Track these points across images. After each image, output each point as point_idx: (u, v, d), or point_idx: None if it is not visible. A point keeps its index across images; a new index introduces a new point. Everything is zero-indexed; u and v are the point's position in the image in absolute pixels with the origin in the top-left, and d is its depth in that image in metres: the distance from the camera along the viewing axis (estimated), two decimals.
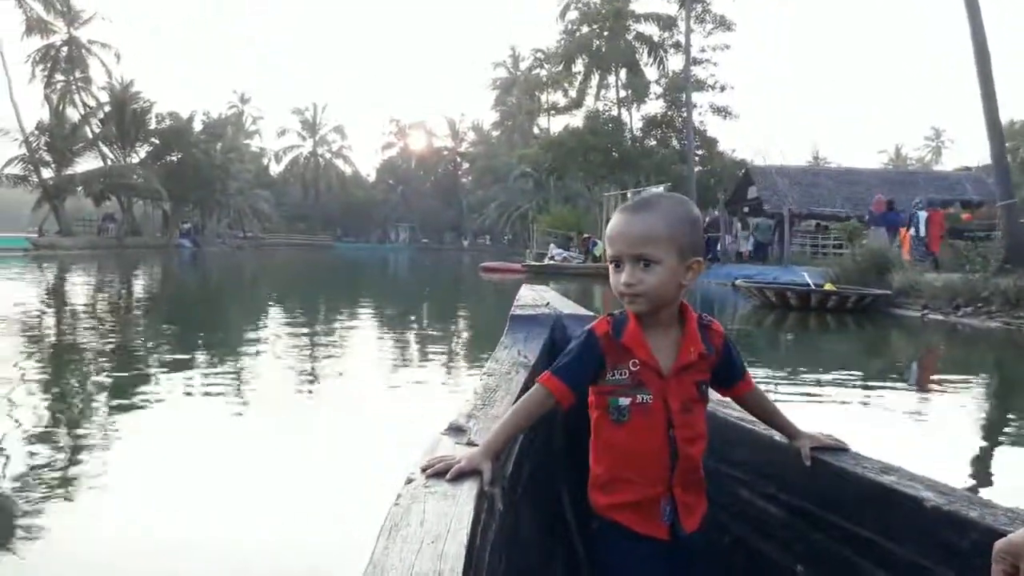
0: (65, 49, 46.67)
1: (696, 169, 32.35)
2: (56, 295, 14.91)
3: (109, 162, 45.14)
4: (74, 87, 46.49)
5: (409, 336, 10.16)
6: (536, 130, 62.03)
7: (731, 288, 19.89)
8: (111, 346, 7.96)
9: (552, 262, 27.76)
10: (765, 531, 1.67)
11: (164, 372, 6.47)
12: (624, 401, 1.42)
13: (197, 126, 50.23)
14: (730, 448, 1.72)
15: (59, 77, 46.47)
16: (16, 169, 40.04)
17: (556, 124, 43.69)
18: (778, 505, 1.65)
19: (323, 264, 33.66)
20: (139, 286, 18.94)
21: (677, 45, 34.92)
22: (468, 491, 1.20)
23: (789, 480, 1.61)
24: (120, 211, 45.09)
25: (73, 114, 43.34)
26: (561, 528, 1.99)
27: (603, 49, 35.59)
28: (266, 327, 10.44)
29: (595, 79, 36.80)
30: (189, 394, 5.57)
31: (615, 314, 1.47)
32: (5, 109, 39.23)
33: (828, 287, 13.43)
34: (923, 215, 19.32)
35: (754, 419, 1.68)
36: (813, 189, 29.55)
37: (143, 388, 5.79)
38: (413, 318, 13.04)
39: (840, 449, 1.56)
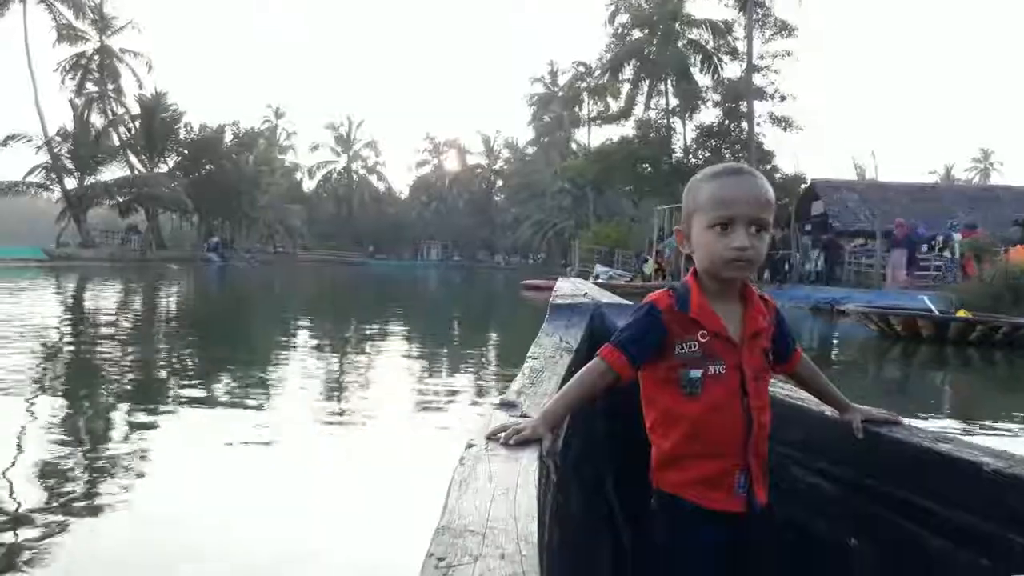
0: (96, 58, 45.77)
1: None
2: (47, 308, 12.99)
3: (136, 172, 43.79)
4: (103, 96, 45.45)
5: (457, 376, 7.95)
6: (574, 146, 60.06)
7: (809, 312, 17.56)
8: (89, 365, 6.97)
9: (599, 281, 25.52)
10: (817, 507, 1.65)
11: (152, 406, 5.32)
12: (696, 373, 1.40)
13: (228, 138, 48.80)
14: (779, 426, 1.59)
15: (90, 87, 45.51)
16: (38, 177, 38.67)
17: (598, 138, 41.59)
18: (830, 480, 1.65)
19: (354, 282, 31.63)
20: (148, 301, 17.03)
21: (734, 52, 32.58)
22: (529, 456, 1.23)
23: (841, 455, 1.61)
24: (146, 223, 43.61)
25: (99, 121, 41.99)
26: (607, 511, 2.04)
27: (653, 55, 33.38)
28: (283, 358, 8.35)
29: (644, 87, 34.54)
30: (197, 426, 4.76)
31: (675, 287, 1.46)
32: (31, 117, 37.10)
33: (961, 314, 10.97)
34: (957, 237, 18.20)
35: (802, 396, 1.72)
36: (885, 206, 26.96)
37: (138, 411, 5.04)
38: (455, 348, 10.82)
39: (892, 422, 1.56)
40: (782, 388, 1.76)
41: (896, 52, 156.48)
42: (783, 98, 31.41)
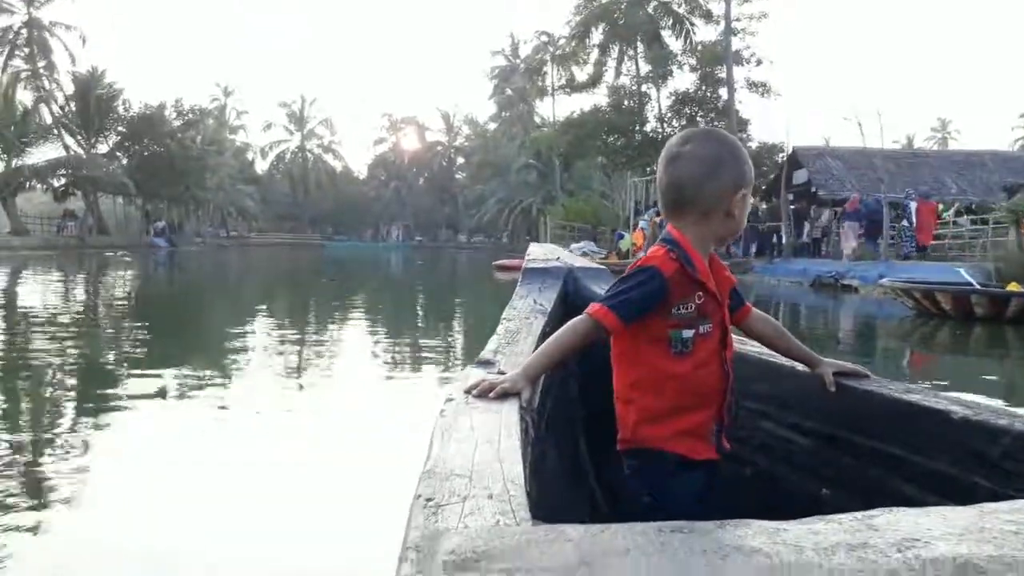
0: (24, 32, 42.44)
1: None
2: None
3: (72, 153, 40.70)
4: (35, 73, 42.17)
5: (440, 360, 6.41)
6: (537, 119, 58.17)
7: (809, 289, 16.12)
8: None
9: None
10: (788, 460, 1.68)
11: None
12: (688, 333, 1.44)
13: (171, 116, 45.73)
14: (749, 382, 1.69)
15: (18, 63, 42.19)
16: None
17: (563, 110, 39.71)
18: (801, 433, 1.68)
19: (312, 265, 29.54)
20: (83, 291, 14.90)
21: (707, 15, 30.91)
22: (509, 408, 1.25)
23: (812, 408, 1.64)
24: (84, 208, 40.61)
25: (27, 99, 38.70)
26: (581, 467, 2.09)
27: (622, 19, 31.55)
28: (243, 346, 7.34)
29: (614, 53, 32.72)
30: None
31: (670, 248, 1.46)
32: None
33: (1013, 287, 9.46)
34: (913, 205, 18.36)
35: (772, 352, 1.72)
36: (872, 173, 25.67)
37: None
38: (434, 333, 9.03)
39: (862, 375, 1.59)
40: (752, 346, 1.78)
41: (851, 21, 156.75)
42: (759, 62, 29.99)
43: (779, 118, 79.99)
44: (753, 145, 31.68)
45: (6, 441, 3.75)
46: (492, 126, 70.90)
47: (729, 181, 1.46)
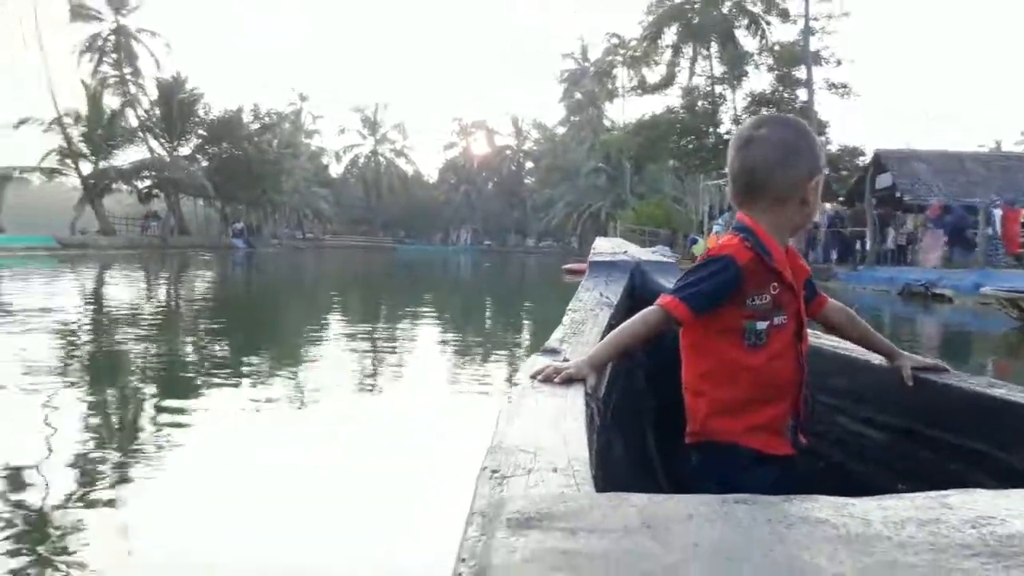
0: (112, 38, 44.29)
1: None
2: (64, 298, 11.26)
3: (155, 155, 42.18)
4: (122, 79, 43.94)
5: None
6: (607, 122, 57.61)
7: (898, 297, 15.33)
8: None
9: None
10: (863, 455, 1.64)
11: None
12: (762, 325, 1.40)
13: (249, 120, 47.00)
14: (824, 376, 1.65)
15: (106, 69, 44.04)
16: (52, 162, 37.10)
17: (634, 112, 39.15)
18: (877, 428, 1.65)
19: (386, 267, 29.84)
20: (168, 288, 15.37)
21: (784, 14, 29.97)
22: (574, 393, 1.24)
23: (888, 402, 1.60)
24: (166, 209, 42.06)
25: (114, 103, 40.28)
26: (647, 458, 2.01)
27: (696, 19, 30.89)
28: (326, 342, 7.61)
29: (686, 54, 32.07)
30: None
31: (744, 236, 1.42)
32: (46, 102, 35.26)
33: None
34: (998, 213, 17.49)
35: (848, 346, 1.70)
36: (961, 177, 24.44)
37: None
38: (505, 336, 8.86)
39: (942, 369, 1.54)
40: (827, 340, 1.77)
41: (933, 20, 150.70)
42: (839, 62, 28.90)
43: (858, 120, 77.03)
44: (832, 148, 30.58)
45: (89, 427, 3.87)
46: (561, 130, 70.64)
47: (804, 168, 1.43)
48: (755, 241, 1.41)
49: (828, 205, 24.67)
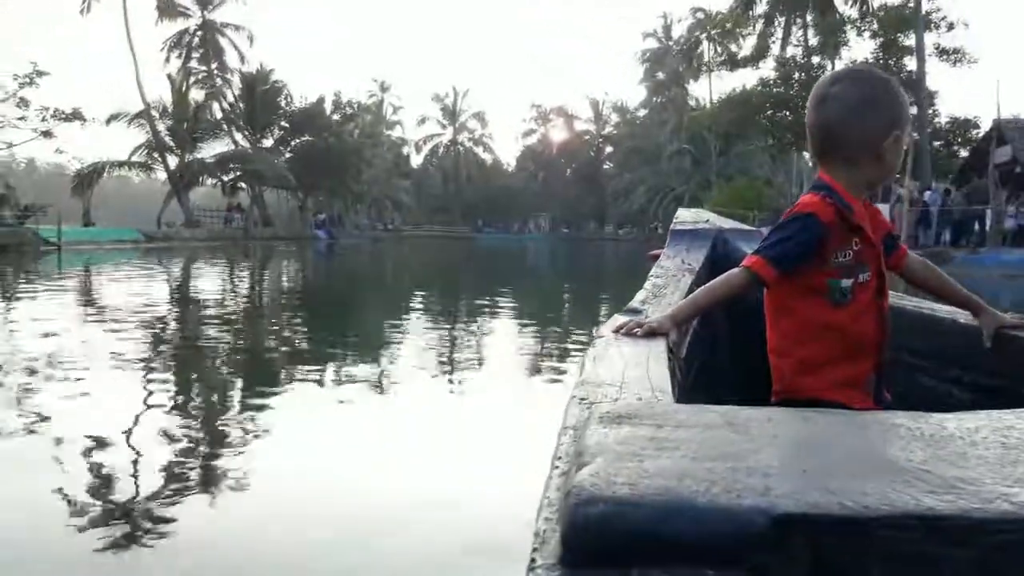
0: (200, 34, 45.22)
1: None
2: (154, 290, 11.16)
3: (239, 148, 42.84)
4: (210, 74, 44.86)
5: None
6: (692, 102, 55.63)
7: None
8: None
9: None
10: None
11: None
12: (847, 282, 1.41)
13: (330, 110, 47.32)
14: (906, 335, 1.64)
15: (194, 65, 45.03)
16: (141, 157, 38.02)
17: (719, 90, 37.29)
18: (962, 387, 1.63)
19: (462, 255, 29.45)
20: (243, 278, 15.18)
21: None
22: (657, 344, 1.27)
23: (975, 360, 1.58)
24: (249, 201, 42.69)
25: (198, 95, 41.04)
26: None
27: None
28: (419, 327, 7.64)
29: (779, 23, 30.20)
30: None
31: (825, 194, 1.42)
32: (135, 98, 36.15)
33: None
34: None
35: (932, 306, 1.72)
36: None
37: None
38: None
39: None
40: (909, 300, 1.76)
41: None
42: (951, 26, 26.56)
43: (981, 90, 71.92)
44: (942, 120, 28.29)
45: (177, 415, 3.90)
46: (642, 113, 68.89)
47: (880, 123, 1.41)
48: (836, 198, 1.40)
49: (935, 184, 22.74)
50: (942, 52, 26.46)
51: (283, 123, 44.77)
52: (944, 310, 1.66)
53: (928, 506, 0.53)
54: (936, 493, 0.55)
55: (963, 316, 1.61)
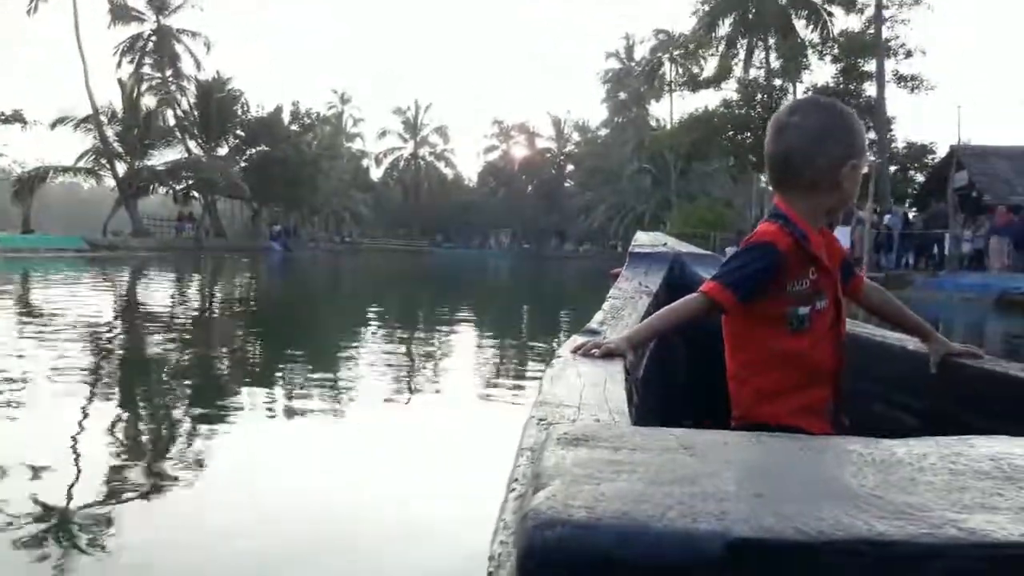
0: (154, 39, 44.00)
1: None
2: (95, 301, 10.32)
3: (191, 156, 41.61)
4: (164, 81, 43.62)
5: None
6: (652, 122, 55.94)
7: (992, 307, 13.60)
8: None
9: None
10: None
11: None
12: (804, 310, 1.42)
13: (287, 120, 46.32)
14: (859, 363, 1.64)
15: (147, 71, 43.75)
16: (88, 162, 36.63)
17: (680, 111, 37.40)
18: (914, 414, 1.66)
19: (420, 270, 28.81)
20: (192, 290, 14.39)
21: (851, 3, 28.02)
22: (614, 366, 1.28)
23: (926, 387, 1.61)
24: (202, 211, 41.47)
25: (151, 101, 39.79)
26: None
27: (752, 11, 29.20)
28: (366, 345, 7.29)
29: (742, 45, 30.35)
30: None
31: (783, 223, 1.43)
32: (84, 103, 34.80)
33: None
34: None
35: (883, 333, 1.77)
36: None
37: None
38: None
39: (974, 354, 1.56)
40: (862, 327, 1.78)
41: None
42: (909, 53, 26.92)
43: (936, 115, 73.80)
44: (899, 145, 28.64)
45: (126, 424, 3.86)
46: (603, 132, 69.18)
47: (837, 152, 1.42)
48: (792, 227, 1.41)
49: (894, 208, 22.88)
50: (900, 79, 26.83)
51: (239, 132, 43.68)
52: (894, 337, 1.69)
53: (879, 531, 0.54)
54: (887, 519, 0.55)
55: (913, 343, 1.64)
